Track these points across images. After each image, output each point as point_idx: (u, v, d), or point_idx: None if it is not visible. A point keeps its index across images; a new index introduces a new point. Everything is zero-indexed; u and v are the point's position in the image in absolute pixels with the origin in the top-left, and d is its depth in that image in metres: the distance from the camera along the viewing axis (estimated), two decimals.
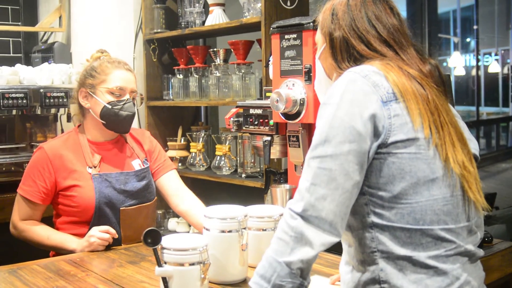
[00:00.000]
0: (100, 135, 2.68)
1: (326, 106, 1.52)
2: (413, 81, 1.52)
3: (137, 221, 2.64)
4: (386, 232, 1.48)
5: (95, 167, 2.59)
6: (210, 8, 3.74)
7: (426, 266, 1.46)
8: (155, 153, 2.82)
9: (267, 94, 2.58)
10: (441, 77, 1.62)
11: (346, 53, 1.62)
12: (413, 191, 1.47)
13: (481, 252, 1.57)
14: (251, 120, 2.58)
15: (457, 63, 13.00)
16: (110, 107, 2.58)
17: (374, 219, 1.50)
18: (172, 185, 2.78)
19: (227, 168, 3.64)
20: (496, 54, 13.55)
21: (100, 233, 2.42)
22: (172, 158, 4.01)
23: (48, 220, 2.66)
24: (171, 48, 4.10)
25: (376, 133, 1.47)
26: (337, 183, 1.45)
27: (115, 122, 2.61)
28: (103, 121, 2.61)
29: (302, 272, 1.47)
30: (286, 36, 2.40)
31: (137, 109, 4.09)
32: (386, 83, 1.51)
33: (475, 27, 12.21)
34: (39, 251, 2.58)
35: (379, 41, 1.60)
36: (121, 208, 2.58)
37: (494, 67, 13.34)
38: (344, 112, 1.47)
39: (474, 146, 1.65)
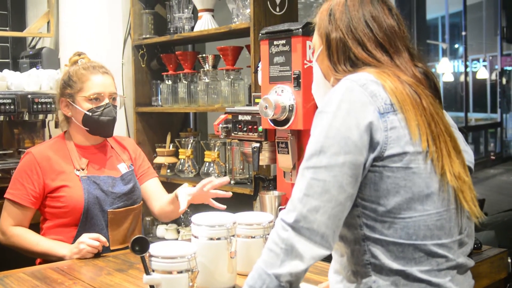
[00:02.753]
0: (86, 140, 2.70)
1: (322, 115, 1.49)
2: (410, 89, 1.49)
3: (125, 223, 2.66)
4: (378, 245, 1.46)
5: (82, 169, 2.61)
6: (199, 14, 3.73)
7: (418, 280, 1.44)
8: (139, 160, 2.87)
9: (256, 100, 2.58)
10: (434, 83, 1.60)
11: (342, 55, 1.59)
12: (407, 206, 1.45)
13: (471, 263, 1.56)
14: (240, 126, 2.57)
15: (446, 69, 13.08)
16: (90, 114, 2.61)
17: (366, 231, 1.48)
18: (153, 190, 2.83)
19: (216, 175, 3.63)
20: (484, 60, 13.63)
21: (90, 240, 2.40)
22: (160, 165, 4.00)
23: (35, 227, 2.64)
24: (160, 54, 4.09)
25: (372, 145, 1.44)
26: (331, 195, 1.42)
27: (97, 128, 2.64)
28: (86, 128, 2.64)
29: (291, 285, 1.44)
30: (275, 42, 2.39)
31: (125, 112, 4.12)
32: (384, 93, 1.47)
33: (463, 33, 12.28)
34: (26, 259, 2.56)
35: (374, 44, 1.57)
36: (109, 210, 2.59)
37: (482, 73, 13.42)
38: (340, 122, 1.44)
39: (469, 158, 1.63)
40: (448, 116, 1.68)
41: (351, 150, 1.42)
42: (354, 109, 1.45)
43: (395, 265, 1.45)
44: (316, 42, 1.70)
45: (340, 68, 1.59)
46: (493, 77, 13.20)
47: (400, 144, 1.45)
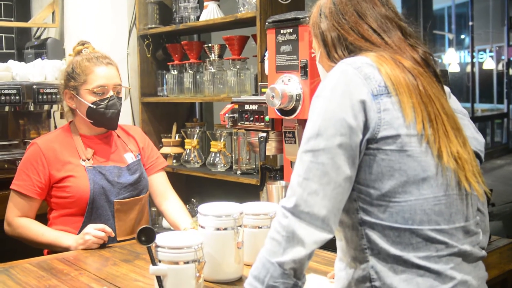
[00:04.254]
0: (91, 130, 2.69)
1: (318, 99, 1.50)
2: (406, 73, 1.50)
3: (131, 214, 2.65)
4: (375, 230, 1.46)
5: (88, 159, 2.59)
6: (205, 3, 3.70)
7: (417, 266, 1.43)
8: (148, 149, 2.86)
9: (263, 89, 2.55)
10: (433, 67, 1.59)
11: (340, 47, 1.61)
12: (402, 190, 1.44)
13: (481, 253, 1.53)
14: (246, 116, 2.55)
15: (452, 60, 13.02)
16: (94, 107, 2.59)
17: (363, 216, 1.47)
18: (160, 185, 2.83)
19: (222, 165, 3.62)
20: (490, 51, 13.58)
21: (95, 231, 2.39)
22: (166, 155, 3.98)
23: (42, 217, 2.63)
24: (165, 44, 4.07)
25: (365, 126, 1.45)
26: (329, 178, 1.42)
27: (102, 120, 2.63)
28: (90, 120, 2.62)
29: (296, 272, 1.44)
30: (282, 31, 2.37)
31: (131, 102, 4.11)
32: (379, 75, 1.48)
33: (470, 23, 12.23)
34: (33, 249, 2.55)
35: (368, 31, 1.58)
36: (115, 200, 2.58)
37: (489, 64, 13.37)
38: (335, 105, 1.45)
39: (478, 145, 1.62)
40: (458, 103, 1.66)
41: (347, 131, 1.43)
42: (349, 91, 1.46)
43: (392, 250, 1.44)
44: (315, 45, 1.73)
45: (337, 56, 1.61)
46: (500, 67, 13.16)
47: (393, 126, 1.44)
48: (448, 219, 1.46)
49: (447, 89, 1.64)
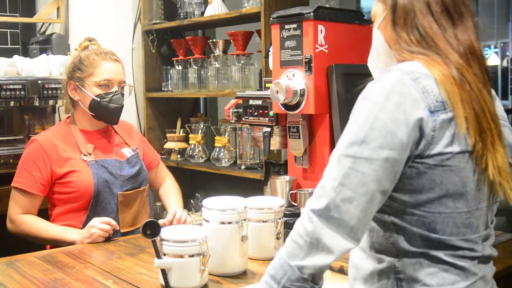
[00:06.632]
0: (90, 125, 2.71)
1: (366, 102, 1.41)
2: (461, 80, 1.41)
3: (134, 206, 2.68)
4: (404, 234, 1.44)
5: (90, 154, 2.61)
6: None
7: (443, 261, 1.42)
8: (146, 145, 2.95)
9: (267, 85, 2.56)
10: (485, 63, 1.50)
11: (409, 22, 1.49)
12: (438, 202, 1.40)
13: (495, 253, 1.53)
14: (250, 111, 2.56)
15: None
16: (98, 100, 2.61)
17: (394, 219, 1.45)
18: (159, 173, 2.99)
19: (227, 160, 3.63)
20: (495, 47, 13.53)
21: (101, 224, 2.41)
22: (171, 150, 4.00)
23: (43, 212, 2.64)
24: (170, 39, 4.08)
25: (417, 143, 1.38)
26: (367, 189, 1.36)
27: (104, 114, 2.64)
28: (92, 113, 2.64)
29: (314, 278, 1.40)
30: (286, 26, 2.37)
31: (135, 97, 4.13)
32: (436, 87, 1.39)
33: (474, 19, 12.19)
34: (35, 244, 2.55)
35: (441, 8, 1.47)
36: (119, 193, 2.61)
37: (494, 60, 13.32)
38: (388, 115, 1.37)
39: (510, 153, 1.58)
40: (501, 107, 1.59)
41: (396, 146, 1.36)
42: (404, 103, 1.37)
43: (419, 250, 1.43)
44: (377, 9, 1.60)
45: (406, 36, 1.50)
46: (505, 63, 13.11)
47: (444, 144, 1.39)
48: (475, 230, 1.45)
49: (493, 92, 1.54)
